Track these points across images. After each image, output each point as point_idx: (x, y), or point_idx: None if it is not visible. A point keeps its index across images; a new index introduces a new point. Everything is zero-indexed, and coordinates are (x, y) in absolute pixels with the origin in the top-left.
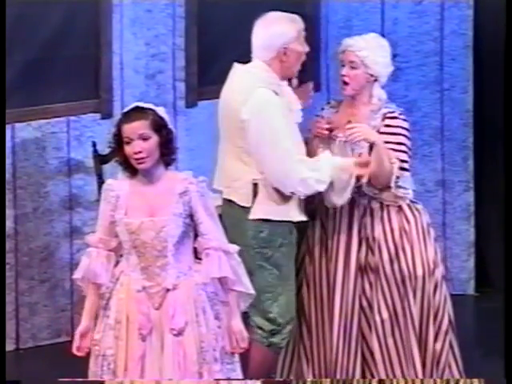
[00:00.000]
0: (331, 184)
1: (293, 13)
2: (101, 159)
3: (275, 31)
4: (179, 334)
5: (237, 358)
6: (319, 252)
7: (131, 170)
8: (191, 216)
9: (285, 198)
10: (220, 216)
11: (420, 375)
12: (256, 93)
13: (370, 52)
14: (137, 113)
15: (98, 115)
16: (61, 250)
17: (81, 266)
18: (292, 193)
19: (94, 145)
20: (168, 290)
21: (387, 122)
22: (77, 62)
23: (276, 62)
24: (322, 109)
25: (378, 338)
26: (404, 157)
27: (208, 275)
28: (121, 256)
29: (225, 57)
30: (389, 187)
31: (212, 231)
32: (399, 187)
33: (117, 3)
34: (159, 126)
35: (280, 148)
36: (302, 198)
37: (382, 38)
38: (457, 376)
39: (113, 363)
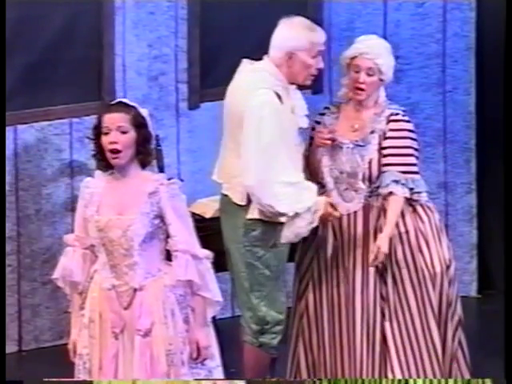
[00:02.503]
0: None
1: (296, 15)
2: None
3: (286, 34)
4: (146, 335)
5: (214, 362)
6: (331, 258)
7: (105, 163)
8: (161, 217)
9: None
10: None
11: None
12: (257, 92)
13: (384, 58)
14: (119, 106)
15: None
16: (63, 252)
17: (59, 265)
18: (265, 203)
19: None
20: (136, 289)
21: (391, 125)
22: (79, 63)
23: (284, 65)
24: (322, 114)
25: (394, 339)
26: (412, 160)
27: (174, 277)
28: (96, 257)
29: (227, 59)
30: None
31: (180, 233)
32: (414, 193)
33: (119, 5)
34: (139, 123)
35: (265, 152)
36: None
37: (383, 39)
38: (465, 373)
39: (88, 362)
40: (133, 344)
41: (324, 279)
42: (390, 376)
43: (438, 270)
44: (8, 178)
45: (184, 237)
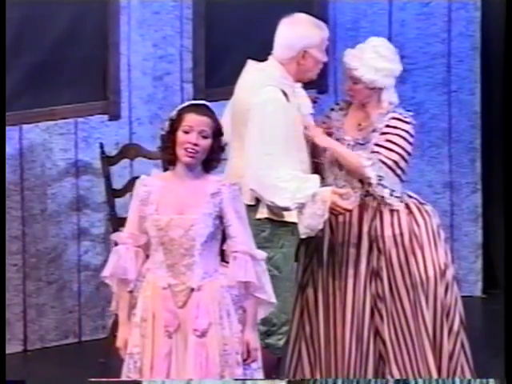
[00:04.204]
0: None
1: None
2: (108, 161)
3: (299, 32)
4: (202, 335)
5: (257, 364)
6: (327, 256)
7: (172, 158)
8: (221, 218)
9: None
10: None
11: (435, 376)
12: (262, 90)
13: (366, 70)
14: (207, 110)
15: (105, 117)
16: (68, 252)
17: (109, 263)
18: (267, 199)
19: (102, 146)
20: (192, 289)
21: (390, 122)
22: (84, 63)
23: (293, 64)
24: (332, 109)
25: (391, 340)
26: (395, 157)
27: (234, 278)
28: (147, 257)
29: (232, 58)
30: (369, 183)
31: (241, 234)
32: (381, 185)
33: (124, 5)
34: (218, 131)
35: (267, 148)
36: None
37: (383, 44)
38: (468, 376)
39: (139, 361)
40: (186, 343)
41: (321, 276)
42: (388, 377)
43: (430, 274)
44: (13, 178)
45: (244, 238)
